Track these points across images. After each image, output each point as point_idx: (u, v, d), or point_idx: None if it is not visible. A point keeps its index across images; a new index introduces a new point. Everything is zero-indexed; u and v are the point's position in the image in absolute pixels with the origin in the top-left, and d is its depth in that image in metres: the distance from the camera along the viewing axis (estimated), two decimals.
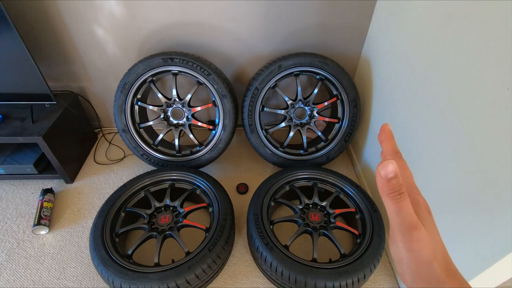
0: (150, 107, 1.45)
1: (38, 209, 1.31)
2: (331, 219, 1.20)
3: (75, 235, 1.29)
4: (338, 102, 1.48)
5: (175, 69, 1.36)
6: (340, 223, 1.19)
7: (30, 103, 1.36)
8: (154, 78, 1.40)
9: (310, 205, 1.26)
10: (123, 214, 1.21)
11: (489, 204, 0.74)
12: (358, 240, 1.15)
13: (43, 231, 1.29)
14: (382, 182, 0.26)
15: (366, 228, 1.15)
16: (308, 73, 1.43)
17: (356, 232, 1.17)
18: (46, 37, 1.41)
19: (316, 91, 1.45)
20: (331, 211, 1.23)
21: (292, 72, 1.40)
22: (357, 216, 1.23)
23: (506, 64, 0.67)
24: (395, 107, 1.20)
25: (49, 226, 1.30)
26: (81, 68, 1.54)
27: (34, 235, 1.28)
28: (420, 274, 0.27)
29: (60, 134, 1.41)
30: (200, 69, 1.34)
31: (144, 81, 1.39)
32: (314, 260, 1.07)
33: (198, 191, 1.30)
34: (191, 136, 1.48)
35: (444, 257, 0.28)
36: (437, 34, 0.92)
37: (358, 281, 1.00)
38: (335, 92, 1.46)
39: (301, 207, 1.24)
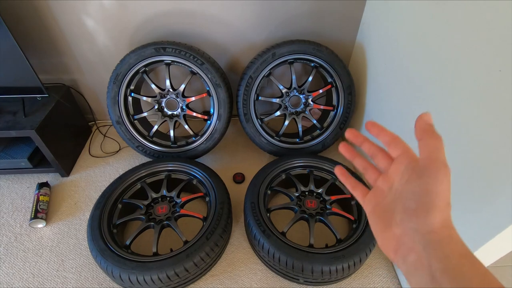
0: (144, 98, 1.44)
1: (34, 203, 1.30)
2: (327, 206, 1.21)
3: (72, 228, 1.29)
4: (333, 89, 1.47)
5: (168, 59, 1.34)
6: (336, 209, 1.21)
7: (22, 96, 1.34)
8: (147, 69, 1.38)
9: (306, 193, 1.27)
10: (120, 206, 1.21)
11: (483, 188, 0.75)
12: (354, 226, 1.17)
13: (40, 225, 1.29)
14: (425, 124, 0.30)
15: (361, 213, 1.17)
16: (302, 61, 1.42)
17: (352, 218, 1.19)
18: (34, 28, 1.38)
19: (310, 78, 1.45)
20: (327, 197, 1.24)
21: (286, 60, 1.39)
22: (353, 202, 1.24)
23: (497, 46, 0.67)
24: (390, 93, 1.20)
25: (46, 219, 1.30)
26: (71, 60, 1.51)
27: (32, 229, 1.28)
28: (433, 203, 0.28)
29: (53, 127, 1.39)
30: (193, 59, 1.32)
31: (137, 72, 1.37)
32: (310, 245, 1.08)
33: (194, 181, 1.30)
34: (186, 126, 1.47)
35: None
36: (431, 19, 0.92)
37: (354, 265, 1.02)
38: (329, 80, 1.46)
39: (297, 194, 1.25)
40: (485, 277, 0.25)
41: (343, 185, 1.30)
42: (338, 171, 0.39)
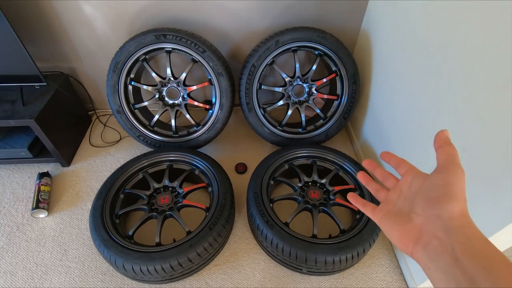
0: (144, 87, 1.41)
1: (36, 193, 1.30)
2: (330, 196, 1.20)
3: (74, 218, 1.29)
4: (337, 78, 1.44)
5: (168, 46, 1.30)
6: (339, 199, 1.20)
7: (19, 84, 1.31)
8: (147, 57, 1.35)
9: (310, 183, 1.26)
10: (122, 196, 1.20)
11: (492, 176, 0.74)
12: (357, 216, 1.16)
13: (42, 215, 1.28)
14: (444, 136, 0.34)
15: None
16: (306, 49, 1.39)
17: (356, 208, 1.18)
18: (31, 15, 1.34)
19: (314, 67, 1.42)
20: (330, 188, 1.23)
21: (289, 48, 1.36)
22: (356, 193, 1.23)
23: None
24: (396, 82, 1.17)
25: (48, 209, 1.29)
26: (69, 48, 1.48)
27: (34, 219, 1.28)
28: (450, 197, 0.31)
29: (52, 117, 1.37)
30: (194, 46, 1.29)
31: (137, 60, 1.34)
32: (314, 236, 1.08)
33: (196, 172, 1.29)
34: (187, 116, 1.45)
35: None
36: (439, 6, 0.88)
37: (358, 255, 1.02)
38: (334, 68, 1.42)
39: (300, 185, 1.24)
40: (504, 258, 0.27)
41: (346, 175, 1.29)
42: (351, 197, 0.44)
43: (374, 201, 1.12)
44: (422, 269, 0.31)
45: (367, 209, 0.40)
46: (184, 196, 1.20)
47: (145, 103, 1.44)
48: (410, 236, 0.32)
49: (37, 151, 1.44)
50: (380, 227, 0.37)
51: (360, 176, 0.43)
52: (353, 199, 0.43)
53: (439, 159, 0.34)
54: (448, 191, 0.31)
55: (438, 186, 0.32)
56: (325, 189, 1.24)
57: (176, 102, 1.45)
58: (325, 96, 1.49)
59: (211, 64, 1.32)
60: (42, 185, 1.32)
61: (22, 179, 1.44)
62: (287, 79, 1.45)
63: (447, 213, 0.30)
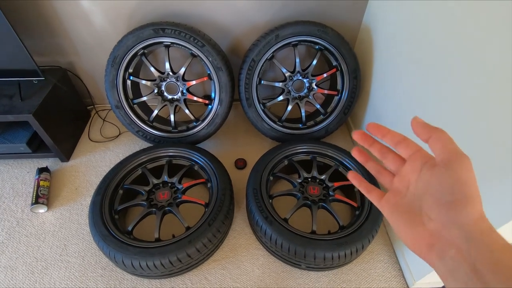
0: (143, 81, 1.40)
1: (35, 188, 1.30)
2: (330, 192, 1.20)
3: (74, 213, 1.29)
4: (338, 73, 1.43)
5: (167, 40, 1.29)
6: (339, 195, 1.20)
7: (17, 79, 1.30)
8: (145, 51, 1.33)
9: (309, 179, 1.25)
10: (121, 191, 1.20)
11: (492, 173, 0.74)
12: (357, 212, 1.16)
13: (42, 210, 1.28)
14: (422, 123, 0.31)
15: (364, 200, 1.16)
16: (306, 43, 1.37)
17: (355, 204, 1.18)
18: (28, 8, 1.32)
19: (315, 62, 1.40)
20: (330, 184, 1.23)
21: (290, 42, 1.34)
22: (356, 189, 1.23)
23: None
24: (397, 78, 1.16)
25: (47, 204, 1.30)
26: (67, 42, 1.46)
27: (33, 214, 1.28)
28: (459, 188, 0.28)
29: (51, 112, 1.36)
30: (193, 40, 1.27)
31: (135, 54, 1.32)
32: (313, 232, 1.08)
33: (196, 167, 1.29)
34: (186, 111, 1.44)
35: None
36: (441, 1, 0.87)
37: (357, 251, 1.02)
38: (334, 63, 1.41)
39: (300, 181, 1.24)
40: None
41: (346, 171, 1.28)
42: (351, 175, 0.38)
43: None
44: (439, 276, 0.29)
45: (373, 196, 0.35)
46: (183, 192, 1.20)
47: (144, 98, 1.43)
48: (423, 241, 0.30)
49: (36, 146, 1.44)
50: (388, 221, 0.33)
51: (356, 153, 0.37)
52: (356, 180, 0.37)
53: (437, 152, 0.30)
54: (463, 192, 0.28)
55: (450, 186, 0.28)
56: (324, 185, 1.24)
57: (175, 97, 1.44)
58: (326, 92, 1.48)
59: (210, 59, 1.30)
60: (41, 180, 1.32)
61: (22, 174, 1.43)
62: (287, 74, 1.43)
63: (466, 220, 0.27)
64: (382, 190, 0.36)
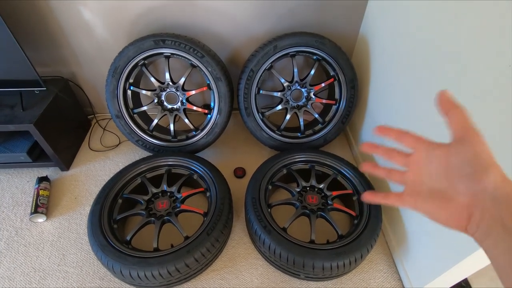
0: (143, 91, 1.42)
1: (35, 197, 1.30)
2: (328, 201, 1.20)
3: (73, 222, 1.29)
4: (335, 83, 1.45)
5: (167, 51, 1.31)
6: (337, 204, 1.20)
7: (19, 89, 1.32)
8: (146, 62, 1.35)
9: (308, 188, 1.26)
10: (120, 201, 1.20)
11: None
12: (355, 221, 1.16)
13: (41, 219, 1.28)
14: (448, 97, 0.33)
15: (363, 209, 1.16)
16: (304, 54, 1.39)
17: (354, 214, 1.18)
18: (31, 19, 1.35)
19: (313, 72, 1.42)
20: (328, 193, 1.23)
21: (288, 53, 1.36)
22: (354, 198, 1.23)
23: (508, 40, 0.65)
24: (394, 87, 1.18)
25: (47, 214, 1.30)
26: (69, 52, 1.49)
27: (32, 223, 1.28)
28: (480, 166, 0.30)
29: (52, 121, 1.38)
30: (193, 51, 1.30)
31: (136, 65, 1.34)
32: (312, 241, 1.08)
33: (195, 176, 1.29)
34: (186, 120, 1.46)
35: None
36: (437, 12, 0.89)
37: (356, 261, 1.02)
38: (332, 73, 1.43)
39: (298, 189, 1.24)
40: None
41: (345, 180, 1.29)
42: (368, 196, 0.40)
43: (372, 207, 1.13)
44: (481, 247, 0.30)
45: (392, 199, 0.37)
46: (182, 201, 1.20)
47: (144, 108, 1.45)
48: (460, 216, 0.31)
49: (36, 156, 1.45)
50: (418, 211, 0.34)
51: (365, 167, 0.40)
52: (372, 196, 0.39)
53: (453, 127, 0.32)
54: (482, 161, 0.30)
55: (469, 159, 0.31)
56: (323, 194, 1.24)
57: (175, 106, 1.45)
58: (324, 101, 1.49)
59: (209, 69, 1.32)
60: (41, 189, 1.33)
61: (21, 183, 1.44)
62: (286, 83, 1.45)
63: (492, 184, 0.29)
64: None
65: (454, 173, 0.31)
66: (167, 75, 1.39)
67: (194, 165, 1.30)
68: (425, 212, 0.34)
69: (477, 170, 0.30)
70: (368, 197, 0.39)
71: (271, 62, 1.37)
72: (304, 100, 1.49)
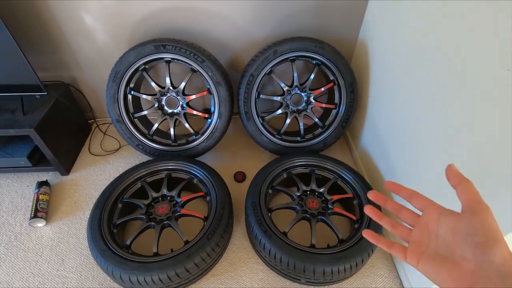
0: (144, 96, 1.42)
1: (34, 202, 1.30)
2: (329, 205, 1.20)
3: (73, 227, 1.28)
4: (335, 87, 1.46)
5: (167, 56, 1.32)
6: (338, 209, 1.20)
7: (20, 94, 1.33)
8: (146, 66, 1.36)
9: (308, 192, 1.26)
10: (120, 205, 1.20)
11: (486, 189, 0.74)
12: (356, 225, 1.16)
13: (40, 224, 1.28)
14: (456, 172, 0.35)
15: (363, 213, 1.16)
16: (304, 58, 1.40)
17: (354, 218, 1.18)
18: (32, 25, 1.36)
19: (312, 76, 1.43)
20: (328, 197, 1.23)
21: (288, 58, 1.37)
22: (355, 202, 1.23)
23: (506, 44, 0.66)
24: (393, 91, 1.18)
25: (46, 218, 1.29)
26: (70, 57, 1.50)
27: (32, 228, 1.28)
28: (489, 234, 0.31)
29: (52, 126, 1.38)
30: (193, 56, 1.30)
31: (137, 70, 1.35)
32: (312, 246, 1.07)
33: (195, 181, 1.29)
34: (186, 125, 1.46)
35: None
36: (435, 16, 0.90)
37: (356, 265, 1.01)
38: (331, 77, 1.44)
39: (299, 194, 1.24)
40: None
41: (345, 184, 1.29)
42: (369, 210, 0.42)
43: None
44: None
45: (396, 251, 0.38)
46: (183, 205, 1.20)
47: (145, 112, 1.45)
48: (463, 282, 0.32)
49: (37, 160, 1.45)
50: (419, 271, 0.36)
51: (369, 211, 0.41)
52: (375, 239, 0.41)
53: (463, 200, 0.34)
54: (493, 235, 0.31)
55: (479, 229, 0.32)
56: (323, 198, 1.24)
57: (175, 111, 1.46)
58: (323, 105, 1.50)
59: (210, 74, 1.33)
60: (41, 194, 1.32)
61: (21, 188, 1.44)
62: (286, 88, 1.46)
63: (500, 258, 0.30)
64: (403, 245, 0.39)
65: (463, 240, 0.32)
66: (168, 80, 1.40)
67: (194, 169, 1.30)
68: (426, 273, 0.35)
69: (487, 240, 0.31)
70: (371, 238, 0.41)
71: (271, 67, 1.38)
72: (304, 104, 1.50)
